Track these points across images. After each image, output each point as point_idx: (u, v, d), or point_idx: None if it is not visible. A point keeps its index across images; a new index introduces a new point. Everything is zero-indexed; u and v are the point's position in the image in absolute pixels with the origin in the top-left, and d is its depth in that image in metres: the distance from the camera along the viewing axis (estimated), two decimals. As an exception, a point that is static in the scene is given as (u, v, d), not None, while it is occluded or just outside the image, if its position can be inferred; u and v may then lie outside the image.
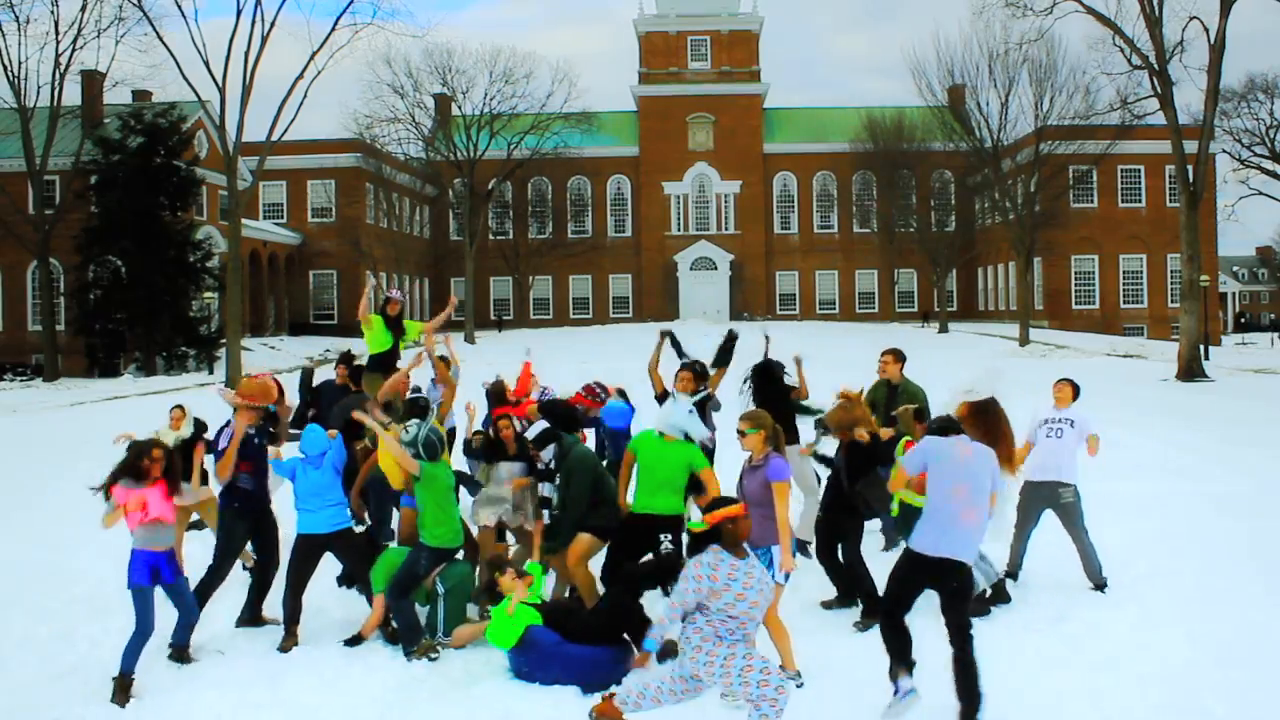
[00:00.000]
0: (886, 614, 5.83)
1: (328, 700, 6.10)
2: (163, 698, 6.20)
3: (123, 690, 6.18)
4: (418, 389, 9.38)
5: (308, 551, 7.25)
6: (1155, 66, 28.55)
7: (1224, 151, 46.86)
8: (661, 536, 6.97)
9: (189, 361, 37.29)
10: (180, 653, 6.78)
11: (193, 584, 6.95)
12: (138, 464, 6.35)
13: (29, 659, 6.59)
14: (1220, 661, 6.41)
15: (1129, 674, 6.24)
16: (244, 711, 5.97)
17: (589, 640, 6.36)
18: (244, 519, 7.33)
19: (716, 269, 61.50)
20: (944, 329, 47.07)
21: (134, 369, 36.94)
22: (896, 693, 5.67)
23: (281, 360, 35.69)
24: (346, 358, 11.05)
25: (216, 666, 6.71)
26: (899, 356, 9.38)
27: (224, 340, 34.06)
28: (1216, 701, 5.82)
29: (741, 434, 6.09)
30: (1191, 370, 27.39)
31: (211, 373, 35.45)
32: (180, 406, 9.33)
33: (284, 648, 7.00)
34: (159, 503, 6.37)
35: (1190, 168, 28.41)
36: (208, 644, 7.09)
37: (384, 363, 9.79)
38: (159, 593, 6.45)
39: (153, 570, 6.34)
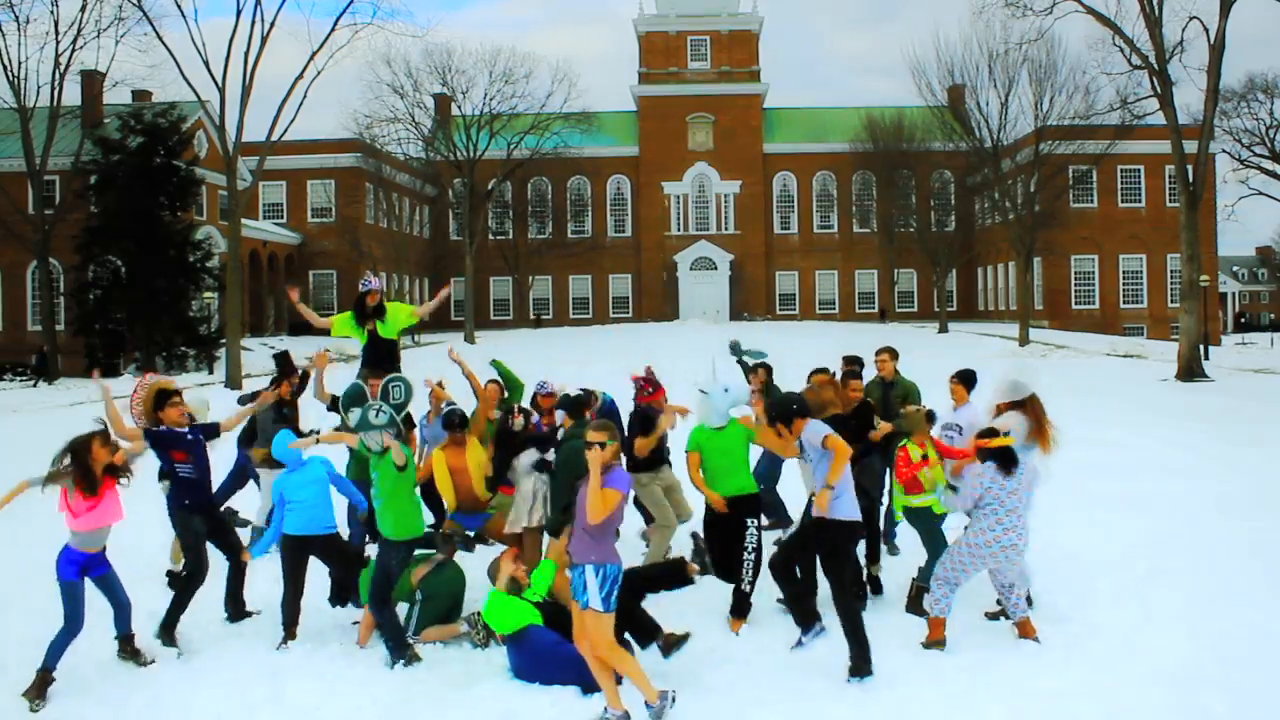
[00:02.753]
0: (855, 596, 6.69)
1: (328, 700, 6.10)
2: (163, 697, 6.20)
3: (41, 686, 6.16)
4: (452, 402, 9.14)
5: (295, 552, 7.25)
6: (1155, 66, 28.55)
7: (1224, 151, 46.85)
8: (749, 522, 7.36)
9: (189, 361, 37.27)
10: (127, 643, 6.79)
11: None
12: (88, 469, 6.34)
13: (29, 659, 6.58)
14: (1221, 661, 6.41)
15: (1129, 674, 6.24)
16: (244, 711, 5.97)
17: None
18: (196, 512, 7.40)
19: (716, 269, 61.50)
20: (944, 329, 47.08)
21: (134, 369, 36.92)
22: (806, 634, 6.65)
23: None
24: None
25: (217, 667, 6.71)
26: (894, 354, 9.66)
27: (224, 340, 34.03)
28: (1217, 701, 5.82)
29: (601, 445, 5.70)
30: (1191, 370, 27.38)
31: (211, 372, 35.45)
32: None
33: (282, 647, 7.01)
34: (114, 509, 6.45)
35: (1190, 168, 28.40)
36: (199, 641, 7.09)
37: (375, 357, 9.26)
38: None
39: (82, 567, 6.42)
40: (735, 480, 7.44)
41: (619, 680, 5.79)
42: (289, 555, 7.23)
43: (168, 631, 7.13)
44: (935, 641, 6.72)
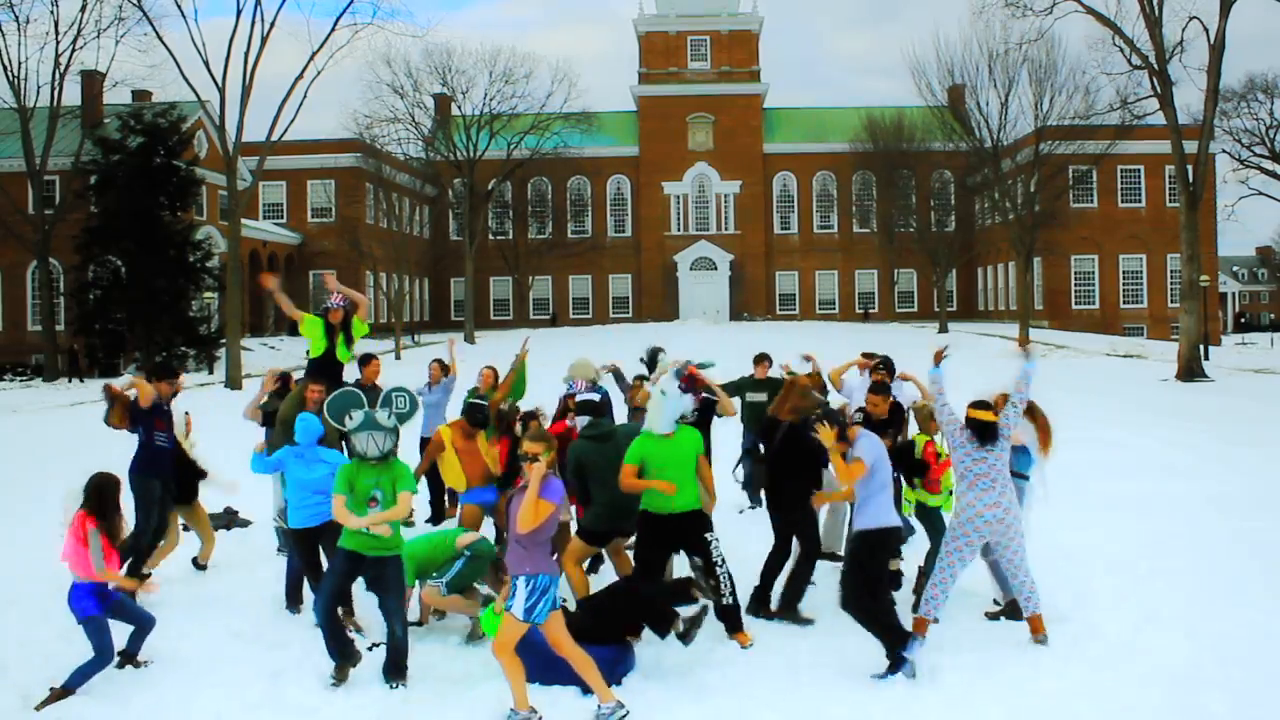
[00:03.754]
0: (873, 601, 6.36)
1: (328, 700, 6.10)
2: (163, 698, 6.20)
3: (54, 700, 6.11)
4: (483, 396, 9.20)
5: (304, 545, 7.31)
6: (1155, 66, 28.55)
7: (1224, 151, 46.85)
8: (707, 537, 6.90)
9: (189, 361, 37.27)
10: (129, 658, 6.71)
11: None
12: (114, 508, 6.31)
13: (29, 659, 6.58)
14: (1220, 661, 6.41)
15: (1129, 674, 6.24)
16: (244, 711, 5.97)
17: (589, 640, 6.35)
18: (157, 476, 7.90)
19: (716, 269, 61.51)
20: (944, 329, 47.10)
21: (134, 369, 36.93)
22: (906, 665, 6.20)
23: (281, 360, 35.70)
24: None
25: (217, 667, 6.71)
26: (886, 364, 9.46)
27: (224, 340, 34.05)
28: (1216, 701, 5.82)
29: (535, 458, 5.64)
30: (1191, 370, 27.38)
31: (211, 372, 35.47)
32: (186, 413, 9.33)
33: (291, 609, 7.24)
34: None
35: (1190, 168, 28.40)
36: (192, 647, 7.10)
37: (323, 369, 8.99)
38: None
39: (98, 598, 6.29)
40: (684, 495, 6.87)
41: (618, 681, 5.80)
42: (300, 547, 7.30)
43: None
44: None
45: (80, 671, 6.20)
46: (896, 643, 6.24)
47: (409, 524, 6.68)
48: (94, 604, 6.26)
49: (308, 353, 9.47)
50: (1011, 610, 7.25)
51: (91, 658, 6.21)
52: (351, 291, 9.38)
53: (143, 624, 6.62)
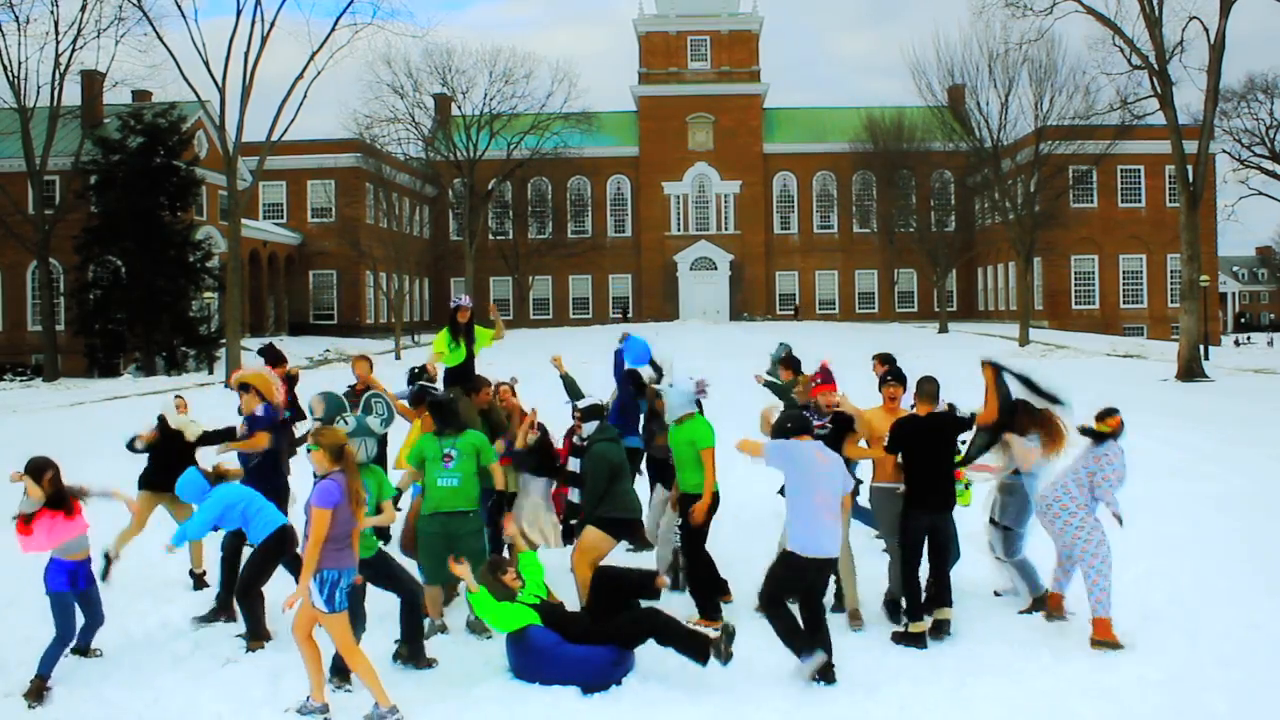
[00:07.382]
0: (771, 606, 6.37)
1: (328, 700, 6.10)
2: (163, 698, 6.20)
3: (38, 693, 6.24)
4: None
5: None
6: (1155, 66, 28.52)
7: (1224, 151, 46.82)
8: (677, 522, 7.70)
9: (189, 361, 37.27)
10: (83, 653, 6.95)
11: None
12: (62, 495, 6.56)
13: (30, 659, 6.59)
14: (1220, 661, 6.41)
15: (1129, 674, 6.24)
16: (244, 711, 5.98)
17: (589, 641, 6.35)
18: (260, 488, 7.70)
19: (716, 269, 61.50)
20: (944, 329, 47.10)
21: (134, 369, 36.93)
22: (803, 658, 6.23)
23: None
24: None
25: (217, 666, 6.72)
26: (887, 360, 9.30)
27: (224, 340, 34.01)
28: (1217, 701, 5.83)
29: (308, 450, 6.04)
30: (1191, 370, 27.35)
31: (211, 373, 35.42)
32: (181, 396, 9.37)
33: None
34: (69, 525, 6.58)
35: (1190, 168, 28.37)
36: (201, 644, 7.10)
37: (461, 375, 9.20)
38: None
39: (71, 577, 6.54)
40: (685, 477, 7.63)
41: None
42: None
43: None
44: (1108, 641, 6.67)
45: (46, 656, 6.35)
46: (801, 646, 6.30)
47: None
48: (64, 581, 6.51)
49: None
50: (1037, 605, 7.42)
51: (53, 640, 6.40)
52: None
53: (96, 620, 6.85)
